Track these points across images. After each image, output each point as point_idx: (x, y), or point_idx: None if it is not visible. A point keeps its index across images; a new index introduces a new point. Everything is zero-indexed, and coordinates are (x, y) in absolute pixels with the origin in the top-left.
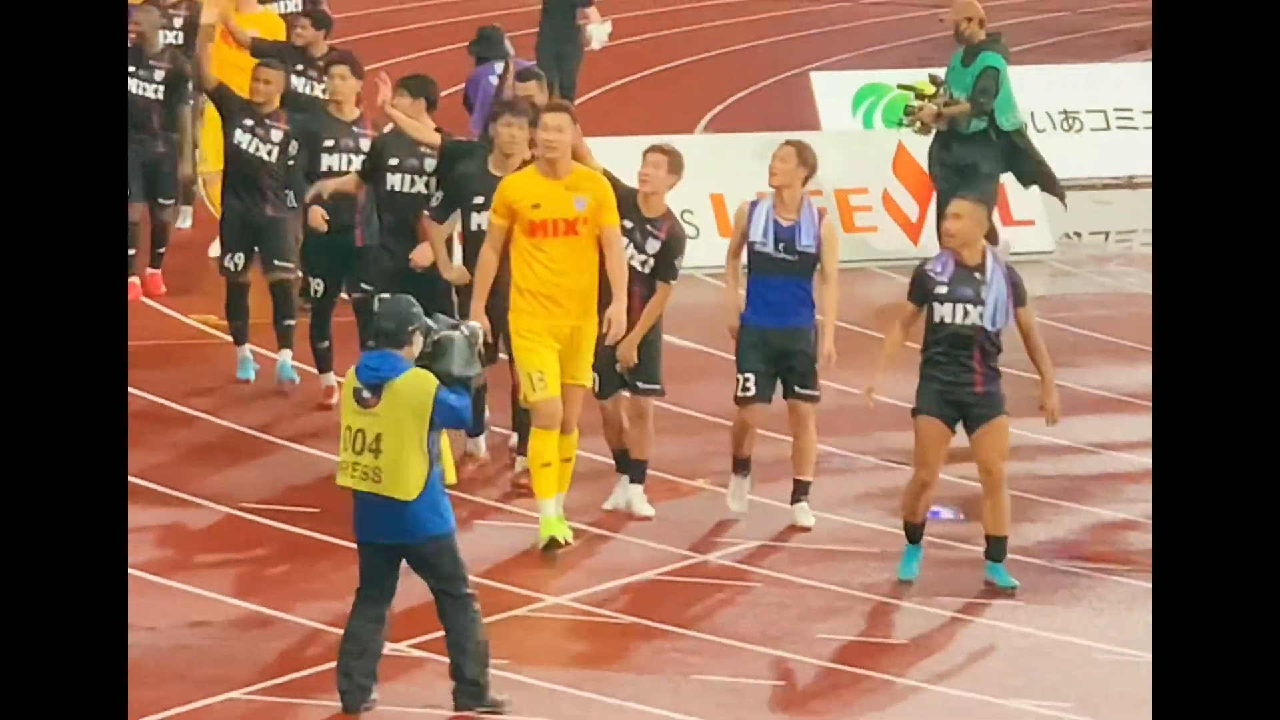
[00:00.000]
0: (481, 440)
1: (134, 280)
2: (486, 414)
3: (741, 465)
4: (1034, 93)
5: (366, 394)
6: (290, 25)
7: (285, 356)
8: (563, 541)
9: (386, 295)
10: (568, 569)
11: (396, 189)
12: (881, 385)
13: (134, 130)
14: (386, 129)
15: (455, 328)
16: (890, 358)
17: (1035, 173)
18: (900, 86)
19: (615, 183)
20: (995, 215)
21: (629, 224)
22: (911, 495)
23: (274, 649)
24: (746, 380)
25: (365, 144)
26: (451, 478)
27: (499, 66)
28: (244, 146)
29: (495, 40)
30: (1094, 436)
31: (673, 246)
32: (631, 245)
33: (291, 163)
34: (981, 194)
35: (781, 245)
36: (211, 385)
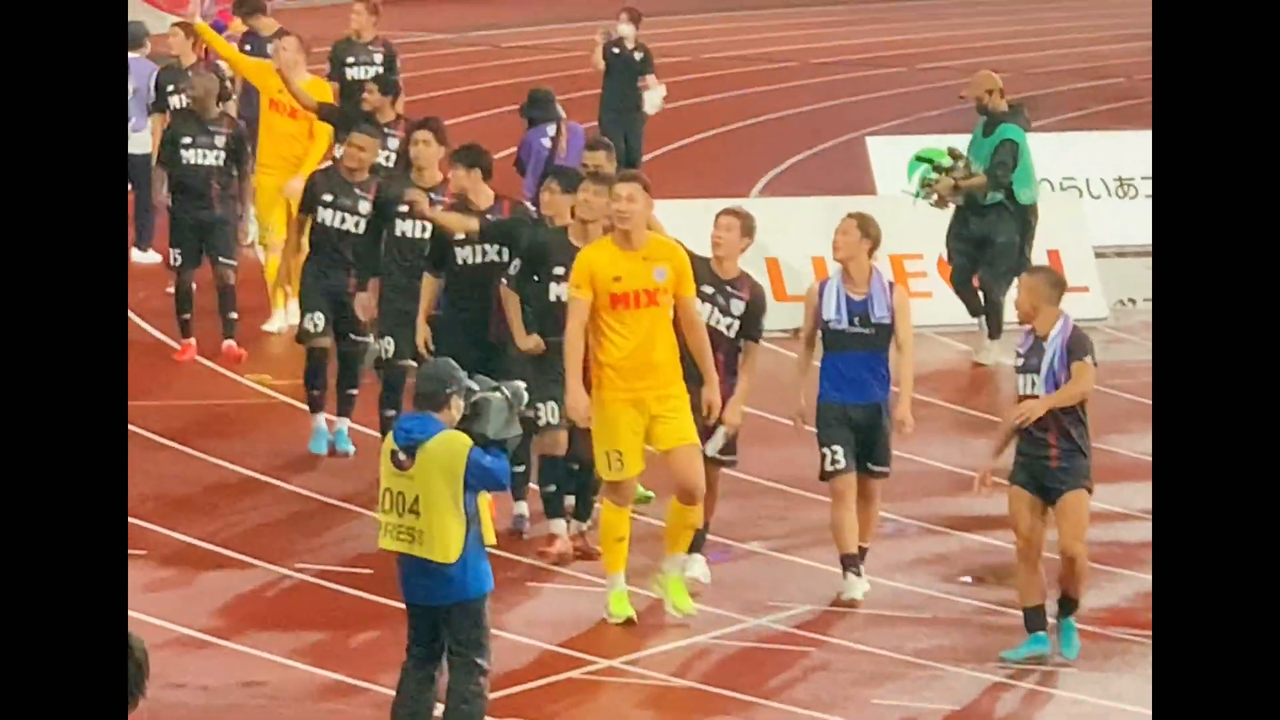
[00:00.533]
0: (561, 523)
1: (189, 342)
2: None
3: (851, 561)
4: (1090, 159)
5: (402, 456)
6: (358, 91)
7: (343, 425)
8: (635, 617)
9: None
10: (622, 632)
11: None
12: (947, 455)
13: (190, 197)
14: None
15: (496, 388)
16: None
17: (1021, 256)
18: (917, 157)
19: (687, 252)
20: None
21: (709, 289)
22: (1017, 574)
23: (329, 710)
24: (835, 453)
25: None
26: (490, 538)
27: (551, 129)
28: (329, 222)
29: (547, 102)
30: (1146, 503)
31: (757, 305)
32: (715, 309)
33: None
34: (1006, 264)
35: (856, 319)
36: (277, 449)
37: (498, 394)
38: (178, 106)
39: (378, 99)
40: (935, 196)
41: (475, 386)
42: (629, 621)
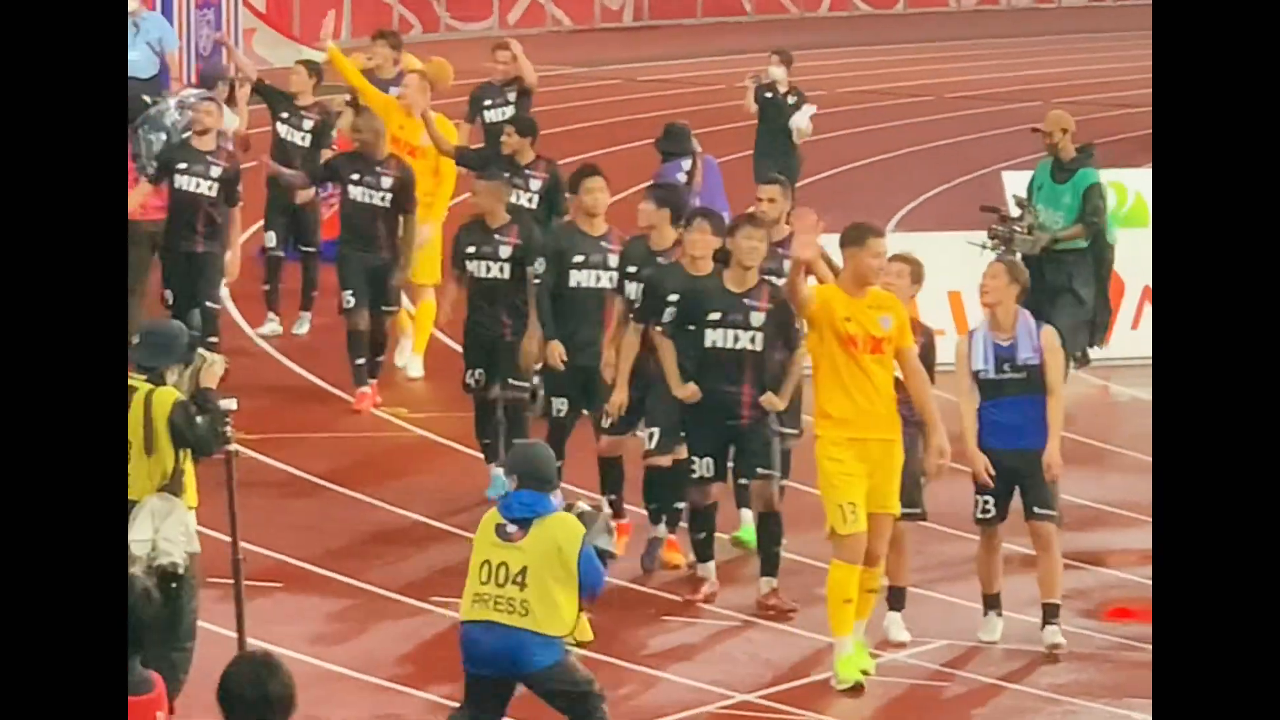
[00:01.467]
0: (711, 566)
1: (365, 390)
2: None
3: (993, 602)
4: None
5: (512, 529)
6: (498, 134)
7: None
8: (864, 680)
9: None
10: (764, 664)
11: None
12: (1083, 489)
13: (360, 238)
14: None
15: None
16: None
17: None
18: (983, 209)
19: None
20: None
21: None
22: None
23: None
24: (986, 502)
25: (614, 259)
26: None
27: (686, 163)
28: (476, 273)
29: (683, 137)
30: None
31: (930, 350)
32: None
33: (538, 280)
34: (1082, 315)
35: (1006, 365)
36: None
37: (601, 513)
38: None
39: (516, 141)
40: (1003, 247)
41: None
42: (858, 688)
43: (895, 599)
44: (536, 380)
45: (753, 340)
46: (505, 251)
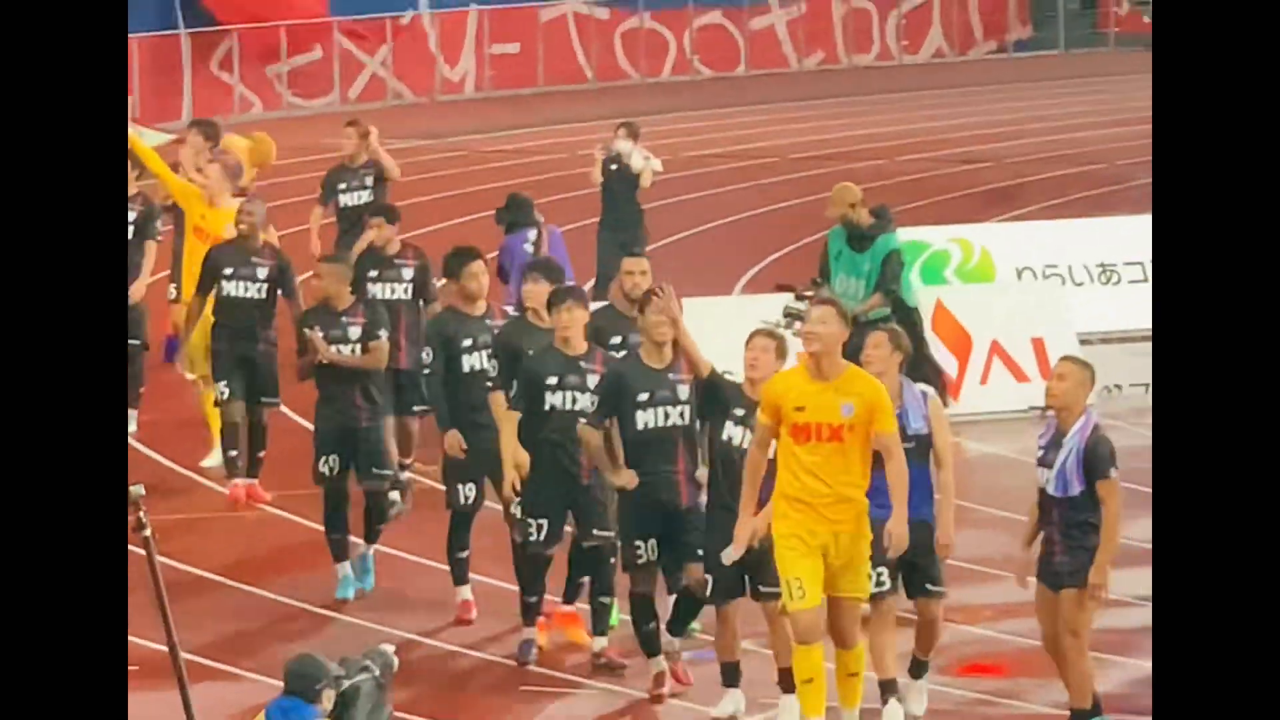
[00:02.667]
0: (662, 658)
1: (236, 483)
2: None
3: (890, 687)
4: (1072, 246)
5: None
6: (355, 217)
7: (369, 552)
8: None
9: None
10: None
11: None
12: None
13: (237, 331)
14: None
15: (366, 667)
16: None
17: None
18: (778, 287)
19: (721, 377)
20: (1034, 368)
21: (740, 411)
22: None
23: None
24: (880, 574)
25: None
26: None
27: (532, 233)
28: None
29: (526, 207)
30: (1139, 589)
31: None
32: (746, 430)
33: (428, 371)
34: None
35: None
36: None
37: (367, 674)
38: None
39: (388, 231)
40: (798, 324)
41: (344, 673)
42: None
43: (786, 681)
44: (405, 473)
45: (681, 415)
46: (354, 333)
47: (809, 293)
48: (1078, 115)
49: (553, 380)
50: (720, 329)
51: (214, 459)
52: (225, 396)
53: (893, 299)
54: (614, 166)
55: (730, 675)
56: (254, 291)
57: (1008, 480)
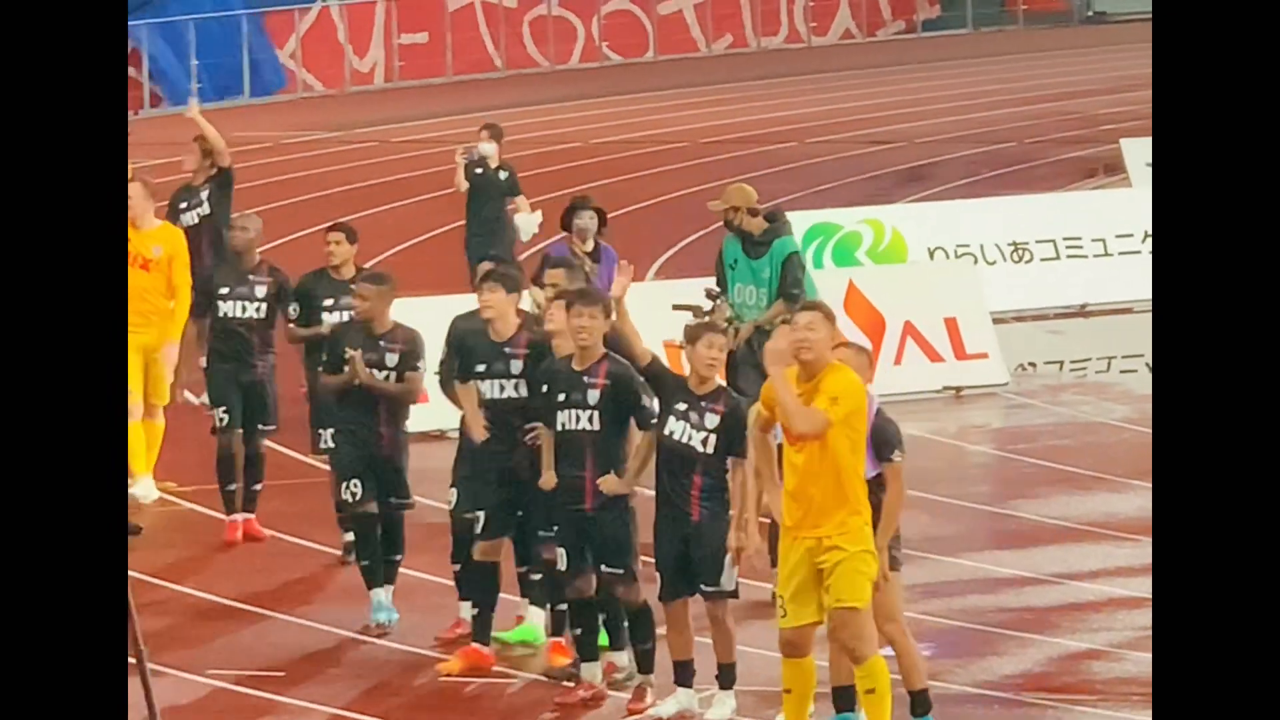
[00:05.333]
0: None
1: (235, 519)
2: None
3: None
4: (983, 225)
5: None
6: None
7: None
8: None
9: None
10: None
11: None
12: None
13: (232, 355)
14: None
15: None
16: None
17: None
18: (675, 307)
19: (664, 369)
20: (948, 348)
21: (682, 405)
22: None
23: None
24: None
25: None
26: None
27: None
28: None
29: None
30: (1055, 567)
31: (735, 419)
32: (687, 425)
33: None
34: None
35: None
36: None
37: None
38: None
39: (345, 251)
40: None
41: None
42: None
43: (726, 678)
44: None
45: (590, 420)
46: (391, 359)
47: (710, 306)
48: (987, 94)
49: (481, 367)
50: (635, 315)
51: (142, 487)
52: (224, 424)
53: (798, 303)
54: (479, 170)
55: (681, 674)
56: (253, 312)
57: (924, 461)
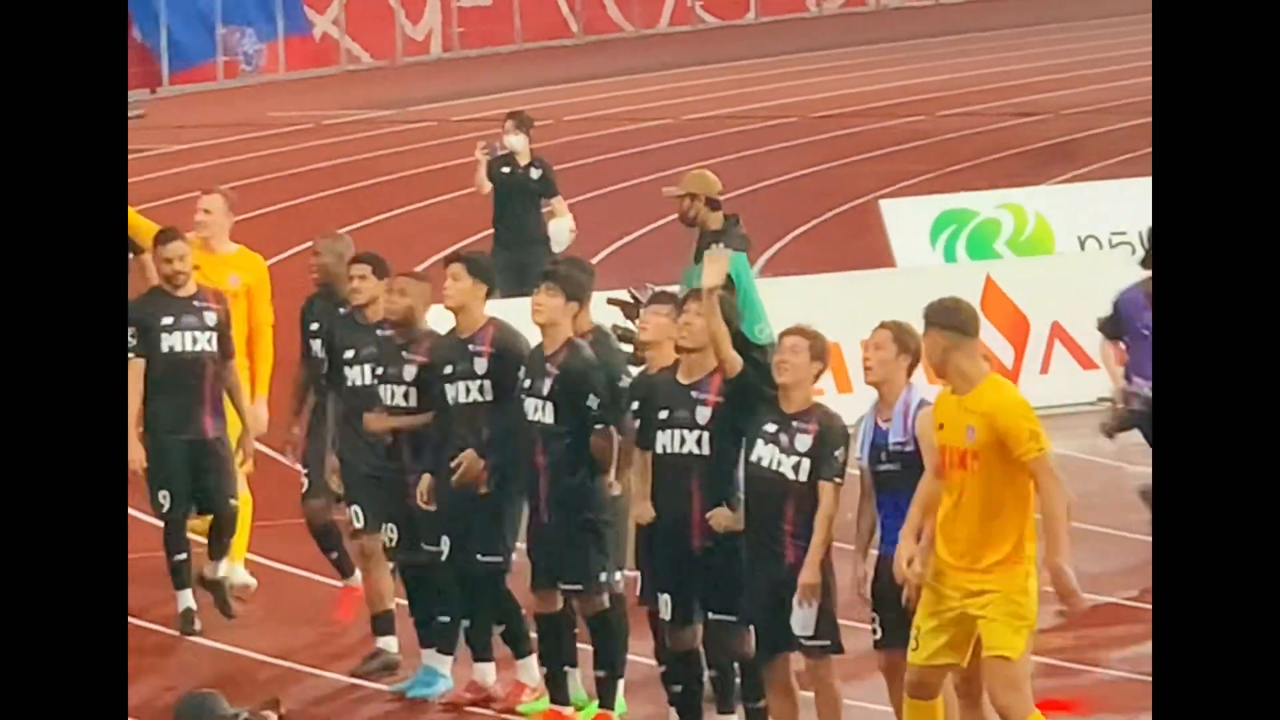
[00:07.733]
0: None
1: (350, 584)
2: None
3: None
4: (1142, 209)
5: None
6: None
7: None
8: None
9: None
10: None
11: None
12: None
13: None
14: None
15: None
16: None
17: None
18: (610, 302)
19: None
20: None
21: (771, 426)
22: None
23: None
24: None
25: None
26: None
27: None
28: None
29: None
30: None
31: (829, 439)
32: (776, 449)
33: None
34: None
35: (882, 454)
36: None
37: None
38: None
39: (373, 287)
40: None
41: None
42: None
43: None
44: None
45: (699, 442)
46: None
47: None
48: (1146, 57)
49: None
50: None
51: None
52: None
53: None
54: (505, 169)
55: None
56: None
57: (1078, 484)
